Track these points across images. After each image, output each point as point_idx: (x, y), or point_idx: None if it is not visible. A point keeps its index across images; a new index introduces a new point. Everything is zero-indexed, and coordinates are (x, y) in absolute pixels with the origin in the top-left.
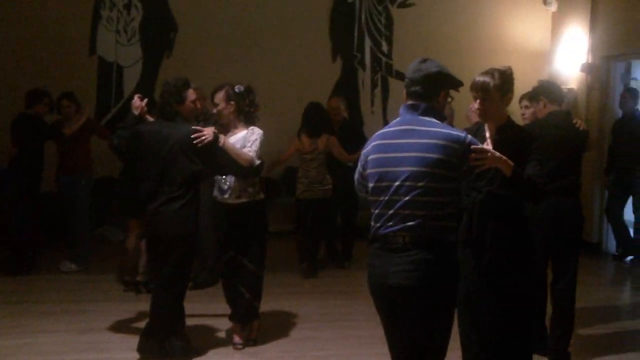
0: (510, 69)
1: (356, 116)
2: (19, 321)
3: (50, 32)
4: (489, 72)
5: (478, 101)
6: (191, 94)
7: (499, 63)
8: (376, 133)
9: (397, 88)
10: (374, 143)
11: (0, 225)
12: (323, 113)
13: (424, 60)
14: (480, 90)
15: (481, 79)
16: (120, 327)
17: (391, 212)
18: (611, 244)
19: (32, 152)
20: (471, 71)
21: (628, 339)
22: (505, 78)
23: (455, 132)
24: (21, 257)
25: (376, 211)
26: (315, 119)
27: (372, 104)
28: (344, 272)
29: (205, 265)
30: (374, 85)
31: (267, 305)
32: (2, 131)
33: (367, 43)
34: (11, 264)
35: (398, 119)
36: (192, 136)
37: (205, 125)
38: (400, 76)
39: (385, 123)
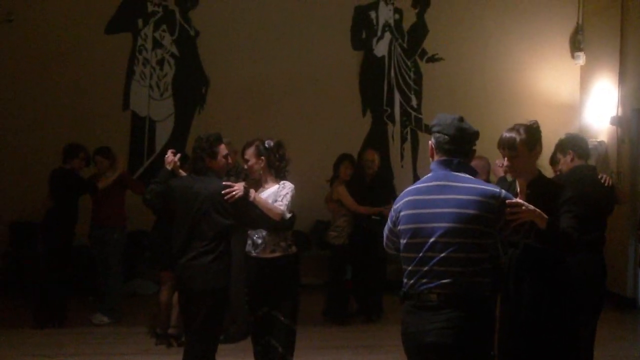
0: (536, 122)
1: (386, 170)
2: None
3: (86, 87)
4: (515, 128)
5: (506, 158)
6: (223, 149)
7: (528, 116)
8: (407, 189)
9: (427, 143)
10: (406, 199)
11: (32, 278)
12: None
13: (462, 119)
14: (507, 147)
15: (507, 135)
16: None
17: (426, 269)
18: None
19: (67, 206)
20: (500, 124)
21: None
22: (531, 132)
23: (490, 188)
24: (52, 309)
25: (409, 268)
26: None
27: (402, 157)
28: (372, 325)
29: (235, 319)
30: (403, 139)
31: (298, 359)
32: (39, 186)
33: (397, 97)
34: (42, 317)
35: (430, 174)
36: (223, 192)
37: (236, 180)
38: (430, 130)
39: (416, 177)
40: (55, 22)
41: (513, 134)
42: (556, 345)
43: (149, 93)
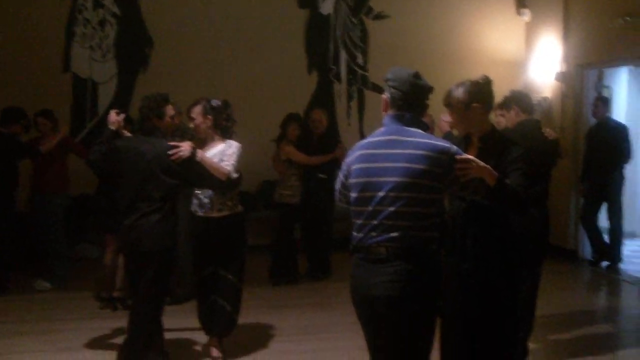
0: (485, 78)
1: (333, 128)
2: None
3: (23, 49)
4: (461, 84)
5: (449, 113)
6: (170, 110)
7: (475, 73)
8: (359, 142)
9: (373, 100)
10: (358, 152)
11: None
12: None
13: (418, 76)
14: (446, 102)
15: (450, 90)
16: (98, 344)
17: (375, 222)
18: (587, 251)
19: (7, 171)
20: (446, 81)
21: (599, 343)
22: (478, 88)
23: (441, 143)
24: None
25: (359, 221)
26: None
27: (349, 116)
28: (321, 283)
29: (182, 280)
30: (350, 98)
31: (244, 319)
32: None
33: (343, 55)
34: None
35: (382, 128)
36: (169, 152)
37: (181, 140)
38: (376, 88)
39: (362, 135)
40: None
41: (453, 90)
42: (498, 296)
43: (90, 54)
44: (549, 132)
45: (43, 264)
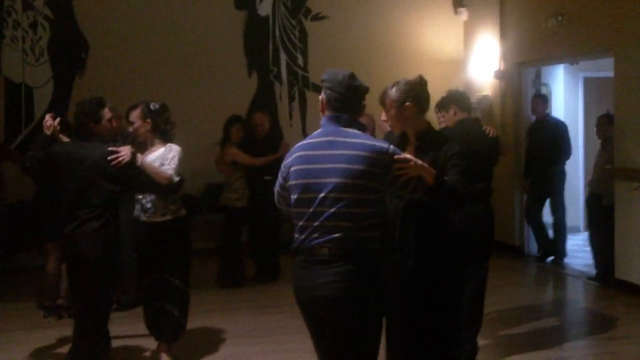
0: (419, 77)
1: (275, 130)
2: None
3: None
4: (395, 83)
5: (383, 112)
6: (107, 113)
7: (415, 72)
8: (298, 144)
9: (315, 101)
10: (296, 154)
11: None
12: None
13: (353, 77)
14: (381, 102)
15: (386, 90)
16: (42, 355)
17: (316, 224)
18: (532, 246)
19: None
20: (385, 81)
21: (547, 337)
22: (411, 87)
23: (378, 143)
24: None
25: (300, 223)
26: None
27: (291, 117)
28: (269, 286)
29: (127, 287)
30: (291, 99)
31: (193, 323)
32: None
33: (283, 56)
34: None
35: (320, 130)
36: (109, 157)
37: (122, 145)
38: (317, 89)
39: (305, 135)
40: None
41: (387, 89)
42: (441, 294)
43: (23, 58)
44: (489, 129)
45: None
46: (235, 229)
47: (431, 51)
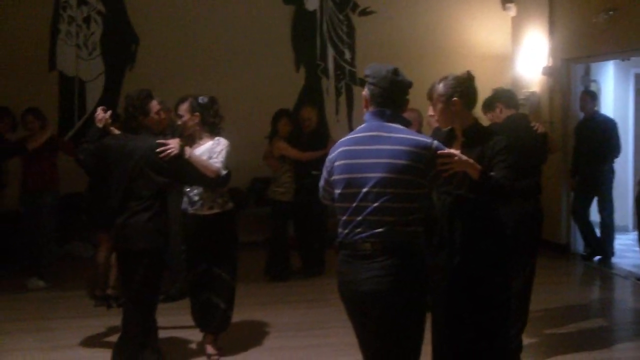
0: (467, 73)
1: (323, 124)
2: None
3: (8, 49)
4: (443, 78)
5: (430, 108)
6: (155, 105)
7: (462, 68)
8: (342, 139)
9: (361, 96)
10: (340, 149)
11: None
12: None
13: (397, 72)
14: (429, 97)
15: (433, 85)
16: (92, 342)
17: (359, 218)
18: (579, 245)
19: None
20: (432, 77)
21: (593, 337)
22: (458, 82)
23: (422, 139)
24: None
25: (344, 218)
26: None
27: (337, 111)
28: (314, 280)
29: (176, 278)
30: (338, 93)
31: (238, 316)
32: None
33: (330, 51)
34: None
35: (364, 125)
36: (158, 150)
37: (171, 138)
38: (364, 84)
39: (351, 130)
40: None
41: (435, 84)
42: (488, 290)
43: (76, 52)
44: (537, 125)
45: (35, 263)
46: (282, 223)
47: (479, 47)
